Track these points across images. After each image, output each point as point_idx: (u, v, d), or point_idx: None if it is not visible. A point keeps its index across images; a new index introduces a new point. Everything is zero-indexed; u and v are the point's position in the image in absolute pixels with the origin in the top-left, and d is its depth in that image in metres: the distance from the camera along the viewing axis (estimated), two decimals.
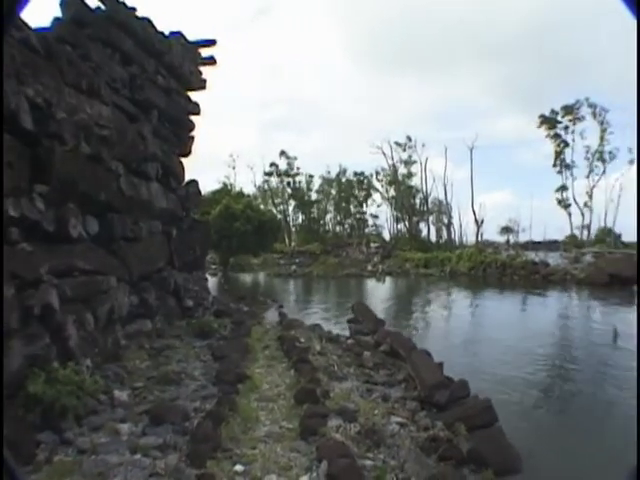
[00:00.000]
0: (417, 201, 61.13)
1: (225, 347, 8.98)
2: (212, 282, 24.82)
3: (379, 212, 63.35)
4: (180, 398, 6.31)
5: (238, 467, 4.43)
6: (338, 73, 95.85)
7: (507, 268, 32.87)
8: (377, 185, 62.64)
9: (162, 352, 8.62)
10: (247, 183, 65.43)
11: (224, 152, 61.70)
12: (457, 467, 5.39)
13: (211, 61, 15.08)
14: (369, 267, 39.92)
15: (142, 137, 10.47)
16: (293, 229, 62.75)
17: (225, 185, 51.93)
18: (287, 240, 58.00)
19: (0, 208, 5.51)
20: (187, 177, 13.88)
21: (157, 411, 5.45)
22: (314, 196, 63.47)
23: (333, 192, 63.25)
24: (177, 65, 12.83)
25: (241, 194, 42.05)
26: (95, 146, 8.03)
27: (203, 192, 18.05)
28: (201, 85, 14.87)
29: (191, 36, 13.98)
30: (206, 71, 15.10)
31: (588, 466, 5.98)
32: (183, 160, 13.69)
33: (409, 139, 58.70)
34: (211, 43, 14.81)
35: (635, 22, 1.52)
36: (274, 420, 5.78)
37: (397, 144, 58.73)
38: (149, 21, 11.40)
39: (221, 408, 5.62)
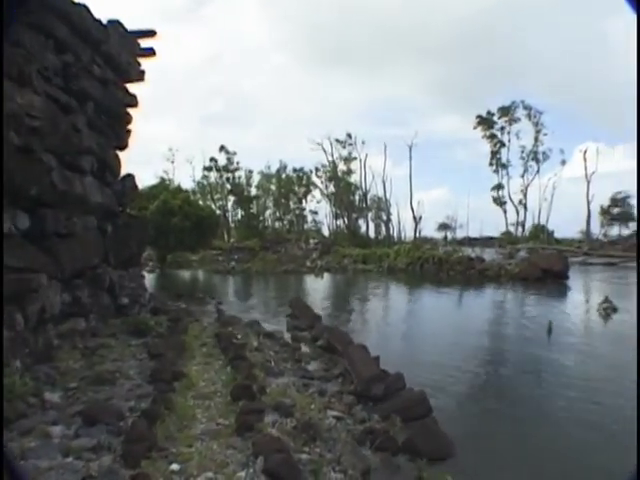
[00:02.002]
0: (356, 198, 62.01)
1: (161, 345, 8.81)
2: (149, 279, 24.20)
3: (318, 208, 63.78)
4: (115, 398, 6.14)
5: (174, 466, 4.38)
6: (278, 68, 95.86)
7: (444, 264, 33.31)
8: (317, 181, 63.05)
9: (96, 351, 8.35)
10: (186, 178, 64.12)
11: (163, 146, 60.44)
12: (393, 457, 5.54)
13: (150, 52, 14.65)
14: (308, 263, 40.03)
15: (76, 129, 10.06)
16: (232, 225, 62.14)
17: (163, 180, 50.81)
18: (226, 236, 57.38)
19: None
20: (124, 171, 13.48)
21: (90, 412, 5.29)
22: (254, 192, 63.03)
23: (273, 188, 63.07)
24: (114, 55, 12.37)
25: (179, 189, 41.13)
26: (25, 137, 7.66)
27: (140, 187, 17.55)
28: (139, 77, 14.42)
29: (129, 26, 13.54)
30: (145, 63, 14.68)
31: (520, 452, 6.25)
32: (120, 154, 13.28)
33: (349, 136, 59.45)
34: (150, 34, 14.37)
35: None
36: (210, 417, 5.74)
37: (337, 141, 59.32)
38: (86, 8, 10.86)
39: (156, 407, 5.53)
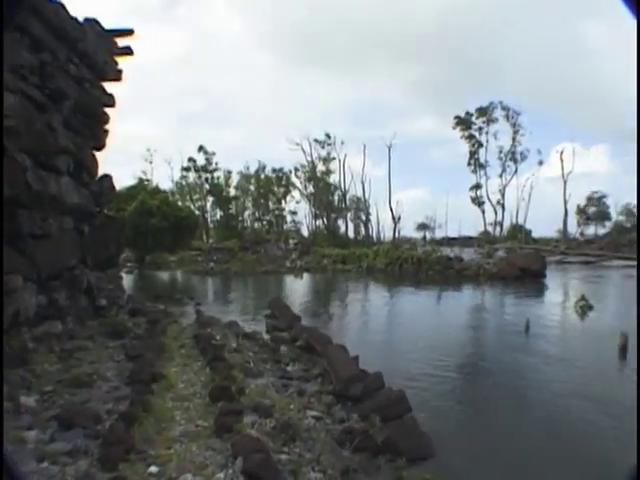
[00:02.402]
0: (335, 198, 62.17)
1: (140, 346, 8.71)
2: (127, 280, 23.90)
3: (298, 208, 63.92)
4: (92, 400, 6.05)
5: (152, 468, 4.33)
6: (256, 67, 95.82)
7: (423, 263, 33.38)
8: (296, 182, 63.11)
9: (73, 354, 8.20)
10: (164, 178, 63.68)
11: (141, 146, 59.82)
12: (372, 457, 5.55)
13: (127, 51, 14.45)
14: (287, 263, 39.98)
15: (52, 128, 9.89)
16: (211, 225, 61.82)
17: (141, 180, 50.26)
18: (205, 237, 57.05)
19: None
20: (101, 172, 13.28)
21: (67, 415, 5.20)
22: (232, 192, 62.83)
23: (252, 188, 62.96)
24: (91, 54, 12.18)
25: (158, 190, 40.79)
26: None
27: (118, 187, 17.32)
28: (117, 76, 14.20)
29: (106, 24, 13.33)
30: (122, 62, 14.48)
31: (498, 449, 6.33)
32: (97, 154, 13.08)
33: (328, 136, 59.63)
34: (127, 33, 14.17)
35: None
36: (189, 419, 5.70)
37: (316, 141, 59.40)
38: (62, 5, 10.66)
39: (134, 409, 5.46)
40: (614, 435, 6.60)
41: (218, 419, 5.39)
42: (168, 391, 6.63)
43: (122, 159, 69.78)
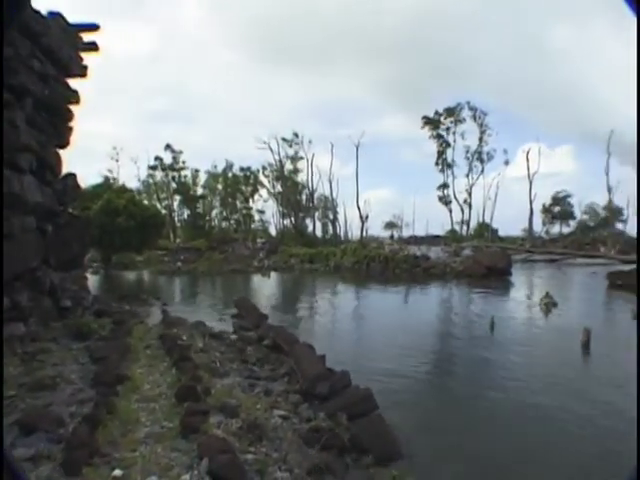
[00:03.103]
0: (303, 197, 62.12)
1: (104, 348, 8.53)
2: (93, 281, 23.43)
3: (265, 208, 63.77)
4: (55, 404, 5.89)
5: (117, 472, 4.26)
6: (225, 65, 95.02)
7: (390, 262, 33.66)
8: (264, 181, 62.84)
9: (36, 356, 7.98)
10: (131, 177, 62.31)
11: (107, 144, 58.60)
12: (339, 456, 5.58)
13: (93, 47, 14.10)
14: (255, 263, 39.82)
15: (14, 126, 9.60)
16: (178, 225, 61.02)
17: (107, 179, 49.32)
18: (172, 236, 56.33)
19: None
20: (65, 170, 12.96)
21: (28, 420, 5.05)
22: (200, 191, 62.16)
23: (219, 187, 62.47)
24: (55, 49, 11.84)
25: (124, 188, 40.07)
26: None
27: (83, 186, 16.95)
28: (82, 72, 13.85)
29: (71, 19, 12.97)
30: (87, 58, 14.13)
31: (463, 444, 6.46)
32: (61, 152, 12.76)
33: (296, 135, 59.57)
34: (93, 28, 13.82)
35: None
36: (155, 420, 5.62)
37: (284, 140, 59.22)
38: None
39: (99, 411, 5.36)
40: (584, 434, 6.79)
41: (184, 420, 5.33)
42: (133, 392, 6.53)
43: (87, 157, 68.18)
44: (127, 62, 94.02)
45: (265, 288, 27.63)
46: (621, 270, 27.25)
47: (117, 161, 56.64)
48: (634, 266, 28.70)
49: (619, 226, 60.30)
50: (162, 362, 8.30)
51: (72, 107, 13.43)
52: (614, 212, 60.28)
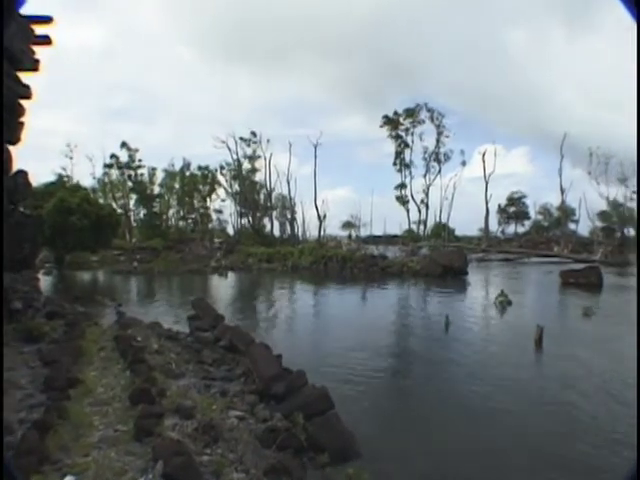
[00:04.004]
0: (261, 196, 61.47)
1: (56, 351, 8.25)
2: (45, 282, 22.61)
3: (223, 207, 62.68)
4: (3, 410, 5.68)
5: (68, 478, 4.12)
6: (182, 63, 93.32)
7: (347, 262, 33.80)
8: (221, 180, 61.81)
9: None
10: (86, 175, 60.34)
11: (60, 141, 56.57)
12: (296, 455, 5.59)
13: (46, 40, 13.56)
14: (212, 263, 39.31)
15: None
16: (134, 224, 59.48)
17: (61, 177, 47.60)
18: (128, 236, 54.95)
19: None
20: (16, 167, 12.45)
21: None
22: (157, 190, 60.69)
23: (177, 186, 61.09)
24: (6, 42, 11.36)
25: (78, 187, 38.77)
26: None
27: (35, 184, 16.32)
28: (34, 66, 13.28)
29: (23, 10, 12.47)
30: (40, 51, 13.58)
31: (417, 440, 6.58)
32: (11, 148, 12.25)
33: (254, 134, 58.86)
34: (46, 20, 13.29)
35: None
36: (108, 424, 5.48)
37: (242, 139, 58.51)
38: None
39: (49, 416, 5.18)
40: (539, 431, 6.94)
41: (138, 422, 5.22)
42: (86, 396, 6.35)
43: (40, 155, 65.64)
44: (82, 57, 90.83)
45: (222, 288, 27.34)
46: (573, 269, 28.16)
47: (71, 159, 54.75)
48: (585, 265, 29.81)
49: (572, 226, 62.38)
50: (116, 364, 8.10)
51: (24, 102, 12.91)
52: (567, 213, 62.30)
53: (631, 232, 61.02)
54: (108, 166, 58.10)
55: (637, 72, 1.70)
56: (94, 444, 4.89)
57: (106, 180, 58.84)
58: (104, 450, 4.76)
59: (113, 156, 57.78)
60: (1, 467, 1.54)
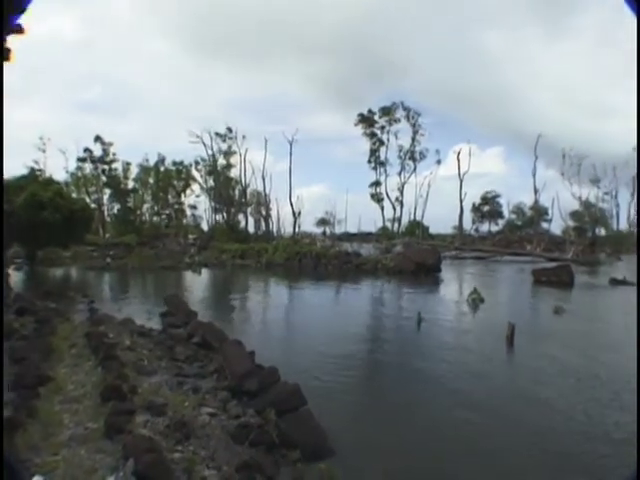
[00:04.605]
0: (236, 192, 60.87)
1: (26, 348, 8.07)
2: (16, 278, 22.03)
3: (198, 203, 61.98)
4: None
5: (37, 478, 4.07)
6: (158, 56, 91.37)
7: (322, 258, 33.65)
8: (196, 175, 61.04)
9: None
10: (58, 169, 58.78)
11: (33, 134, 54.98)
12: (268, 452, 5.58)
13: (18, 29, 13.19)
14: (186, 259, 38.88)
15: None
16: (108, 219, 58.40)
17: (33, 170, 46.24)
18: (101, 231, 53.98)
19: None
20: None
21: None
22: (131, 185, 59.58)
23: (151, 181, 60.05)
24: None
25: (51, 181, 37.82)
26: None
27: (6, 177, 15.93)
28: (5, 55, 12.97)
29: None
30: (11, 41, 13.22)
31: (387, 436, 6.59)
32: None
33: (230, 130, 58.21)
34: (18, 9, 12.97)
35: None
36: (79, 422, 5.40)
37: (217, 134, 57.81)
38: None
39: (18, 415, 5.09)
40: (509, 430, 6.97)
41: (109, 420, 5.17)
42: (56, 394, 6.25)
43: (11, 147, 63.71)
44: (56, 47, 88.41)
45: (196, 285, 27.10)
46: (545, 267, 28.60)
47: (44, 152, 53.33)
48: (557, 263, 30.38)
49: (544, 225, 63.52)
50: (87, 361, 7.98)
51: None
52: (540, 212, 63.46)
53: (602, 232, 62.82)
54: (81, 160, 56.87)
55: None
56: (64, 442, 4.83)
57: (79, 174, 57.59)
58: (74, 448, 4.70)
59: (87, 150, 56.57)
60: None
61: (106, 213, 58.65)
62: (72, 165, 57.02)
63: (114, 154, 57.45)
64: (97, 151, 56.94)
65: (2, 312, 4.18)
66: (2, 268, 4.57)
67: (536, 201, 62.27)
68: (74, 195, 46.57)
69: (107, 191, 58.21)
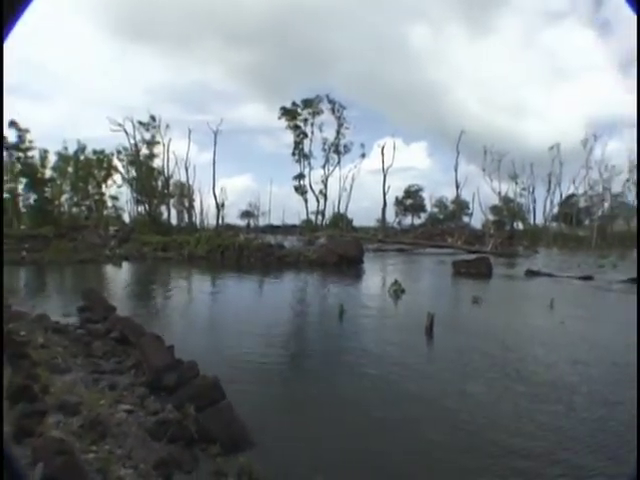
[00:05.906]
0: (159, 183, 58.78)
1: None
2: None
3: (119, 193, 58.96)
4: None
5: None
6: (78, 37, 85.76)
7: (244, 251, 33.11)
8: (118, 165, 58.14)
9: None
10: None
11: None
12: (187, 447, 5.45)
13: None
14: (106, 252, 37.05)
15: None
16: (23, 210, 54.39)
17: None
18: (16, 223, 50.21)
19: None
20: None
21: None
22: (49, 174, 55.75)
23: (70, 170, 56.44)
24: None
25: None
26: None
27: None
28: None
29: None
30: None
31: (308, 427, 6.60)
32: None
33: (153, 119, 56.24)
34: None
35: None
36: None
37: (140, 123, 55.51)
38: None
39: None
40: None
41: (17, 423, 4.85)
42: None
43: None
44: None
45: (116, 278, 25.97)
46: (465, 259, 29.66)
47: None
48: (477, 255, 31.76)
49: (465, 219, 66.31)
50: None
51: None
52: (461, 206, 66.21)
53: (520, 226, 66.51)
54: None
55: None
56: None
57: None
58: None
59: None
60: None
61: (21, 204, 54.56)
62: None
63: (31, 141, 53.31)
64: (12, 137, 52.74)
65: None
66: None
67: (458, 195, 65.08)
68: None
69: (22, 180, 54.13)
